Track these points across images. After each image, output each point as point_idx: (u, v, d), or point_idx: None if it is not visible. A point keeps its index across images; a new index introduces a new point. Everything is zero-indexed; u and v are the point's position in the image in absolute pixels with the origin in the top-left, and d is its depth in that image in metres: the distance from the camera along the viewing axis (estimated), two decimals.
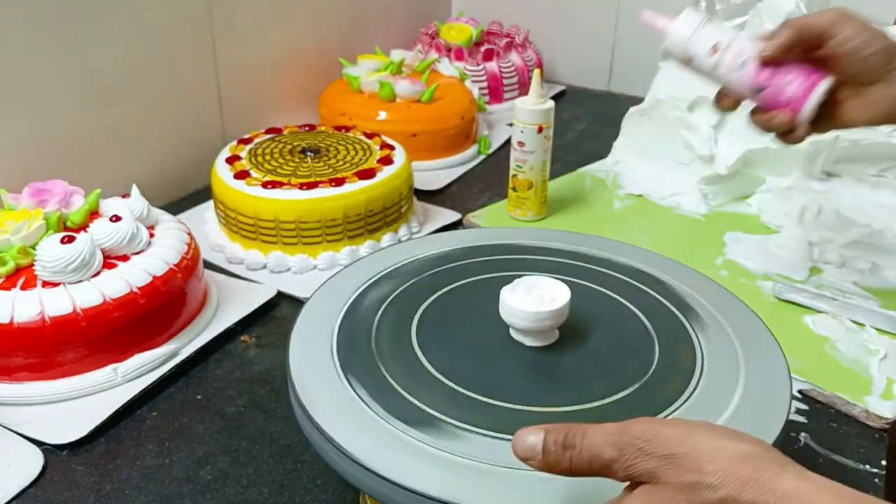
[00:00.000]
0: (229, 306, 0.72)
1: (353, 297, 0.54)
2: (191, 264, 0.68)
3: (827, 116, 0.59)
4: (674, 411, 0.44)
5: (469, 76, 1.21)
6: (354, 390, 0.45)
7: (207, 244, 0.83)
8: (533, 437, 0.35)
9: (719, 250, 0.83)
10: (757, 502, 0.30)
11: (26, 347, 0.59)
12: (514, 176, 0.88)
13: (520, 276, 0.49)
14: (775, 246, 0.82)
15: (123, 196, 0.71)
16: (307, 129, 0.95)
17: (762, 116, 0.60)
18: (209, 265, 0.79)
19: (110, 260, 0.63)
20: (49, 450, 0.56)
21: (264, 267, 0.80)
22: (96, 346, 0.61)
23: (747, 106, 0.63)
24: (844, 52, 0.56)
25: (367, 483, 0.40)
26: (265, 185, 0.79)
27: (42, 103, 0.81)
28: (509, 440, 0.41)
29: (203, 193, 0.94)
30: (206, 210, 0.88)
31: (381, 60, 1.10)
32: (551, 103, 0.86)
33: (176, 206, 0.89)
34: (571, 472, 0.35)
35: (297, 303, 0.74)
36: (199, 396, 0.63)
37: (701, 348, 0.49)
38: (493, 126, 1.21)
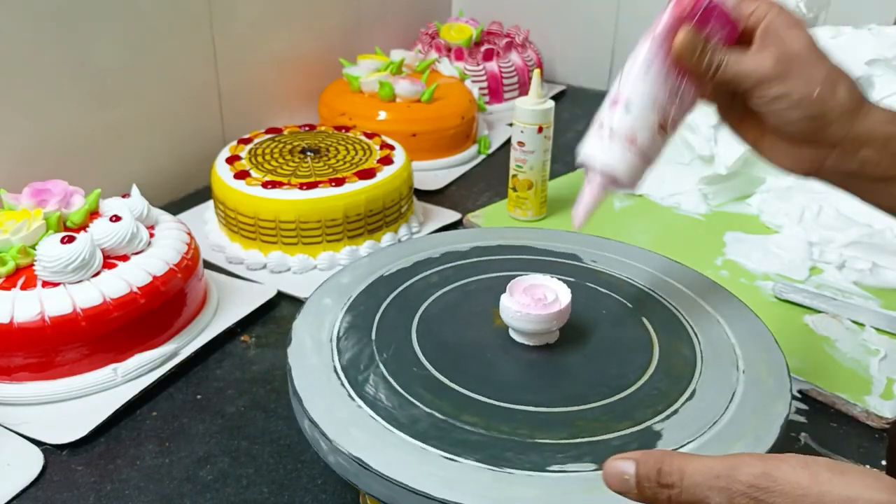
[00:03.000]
0: (229, 306, 0.72)
1: (353, 296, 0.54)
2: (191, 264, 0.68)
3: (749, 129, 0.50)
4: (673, 412, 0.44)
5: (469, 76, 1.22)
6: (354, 390, 0.45)
7: (207, 244, 0.83)
8: (621, 465, 0.32)
9: (719, 250, 0.83)
10: None
11: (26, 347, 0.59)
12: (514, 176, 0.88)
13: (520, 276, 0.49)
14: (775, 246, 0.82)
15: (123, 196, 0.71)
16: (307, 129, 0.95)
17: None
18: (209, 265, 0.79)
19: (110, 260, 0.63)
20: (49, 450, 0.56)
21: (264, 267, 0.80)
22: (96, 346, 0.61)
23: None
24: (765, 112, 0.47)
25: (367, 483, 0.40)
26: (265, 185, 0.79)
27: (42, 103, 0.81)
28: (508, 440, 0.41)
29: (203, 193, 0.95)
30: (206, 210, 0.88)
31: (381, 60, 1.11)
32: (551, 103, 0.86)
33: (176, 206, 0.89)
34: None
35: (297, 303, 0.74)
36: (199, 396, 0.63)
37: (700, 348, 0.50)
38: (493, 126, 1.21)
